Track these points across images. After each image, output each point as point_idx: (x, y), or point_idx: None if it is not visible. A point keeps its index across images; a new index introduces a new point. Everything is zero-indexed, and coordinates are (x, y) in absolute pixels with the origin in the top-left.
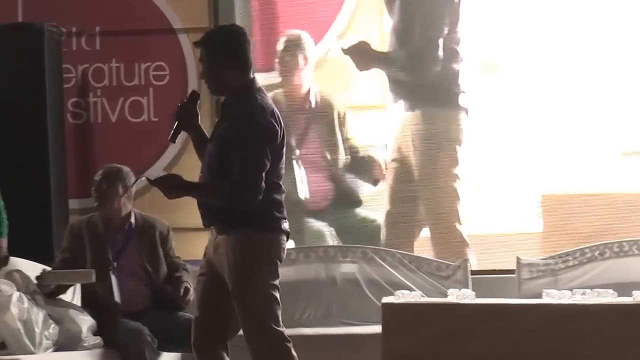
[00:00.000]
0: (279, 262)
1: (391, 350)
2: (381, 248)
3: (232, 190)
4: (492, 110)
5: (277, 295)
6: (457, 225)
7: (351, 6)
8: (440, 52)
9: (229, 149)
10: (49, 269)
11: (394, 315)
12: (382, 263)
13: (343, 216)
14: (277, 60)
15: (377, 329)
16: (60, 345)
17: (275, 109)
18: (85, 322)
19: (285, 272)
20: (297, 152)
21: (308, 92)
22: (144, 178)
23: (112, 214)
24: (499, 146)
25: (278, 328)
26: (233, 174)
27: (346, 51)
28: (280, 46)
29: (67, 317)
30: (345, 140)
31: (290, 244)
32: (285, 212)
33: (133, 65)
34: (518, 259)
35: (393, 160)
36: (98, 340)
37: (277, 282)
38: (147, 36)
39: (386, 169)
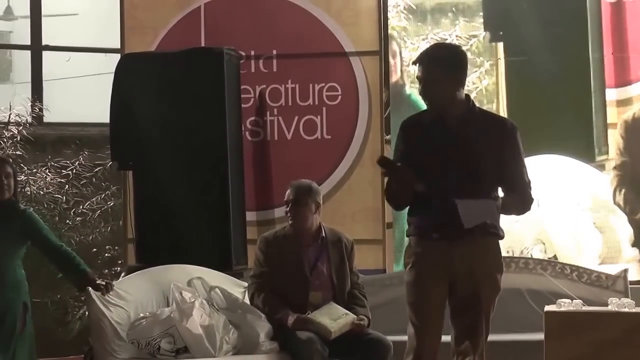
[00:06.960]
0: None
1: (553, 357)
2: (543, 259)
3: (529, 200)
4: None
5: None
6: None
7: None
8: None
9: (495, 158)
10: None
11: (556, 323)
12: (544, 273)
13: None
14: None
15: (539, 336)
16: (238, 350)
17: None
18: (263, 327)
19: None
20: None
21: None
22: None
23: (305, 230)
24: None
25: None
26: (516, 184)
27: None
28: None
29: (245, 323)
30: None
31: None
32: None
33: (307, 86)
34: None
35: None
36: (275, 345)
37: None
38: (320, 59)
39: None
